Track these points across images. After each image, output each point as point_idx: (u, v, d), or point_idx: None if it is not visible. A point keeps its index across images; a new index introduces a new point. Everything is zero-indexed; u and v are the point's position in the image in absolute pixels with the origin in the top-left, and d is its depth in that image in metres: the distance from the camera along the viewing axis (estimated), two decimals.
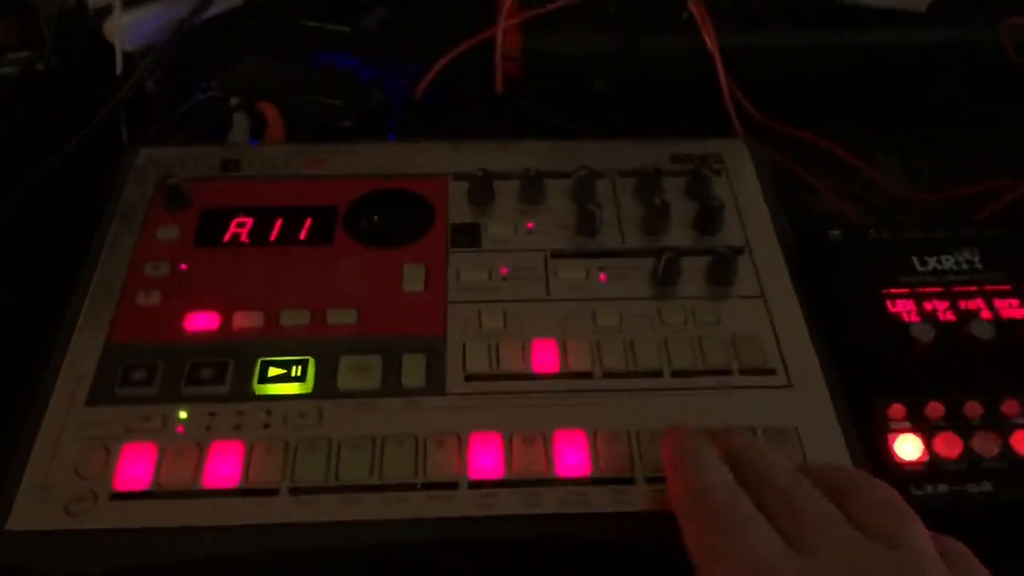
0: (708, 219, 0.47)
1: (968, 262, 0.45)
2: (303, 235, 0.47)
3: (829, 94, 0.64)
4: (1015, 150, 0.61)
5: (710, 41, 0.61)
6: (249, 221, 0.47)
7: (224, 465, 0.37)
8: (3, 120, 0.63)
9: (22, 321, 0.49)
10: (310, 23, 0.64)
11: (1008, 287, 0.44)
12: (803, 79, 0.64)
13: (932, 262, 0.45)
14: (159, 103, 0.63)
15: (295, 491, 0.37)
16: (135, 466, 0.37)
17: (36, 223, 0.54)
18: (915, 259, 0.45)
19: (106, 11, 0.66)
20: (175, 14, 0.66)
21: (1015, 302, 0.44)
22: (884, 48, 0.63)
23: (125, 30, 0.65)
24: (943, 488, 0.38)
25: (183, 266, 0.45)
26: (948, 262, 0.45)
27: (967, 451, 0.39)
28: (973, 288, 0.44)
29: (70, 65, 0.66)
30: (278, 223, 0.47)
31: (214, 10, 0.67)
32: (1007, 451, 0.39)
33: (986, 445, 0.39)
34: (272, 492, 0.37)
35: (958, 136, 0.62)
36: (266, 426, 0.39)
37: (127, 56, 0.65)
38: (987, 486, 0.38)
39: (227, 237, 0.46)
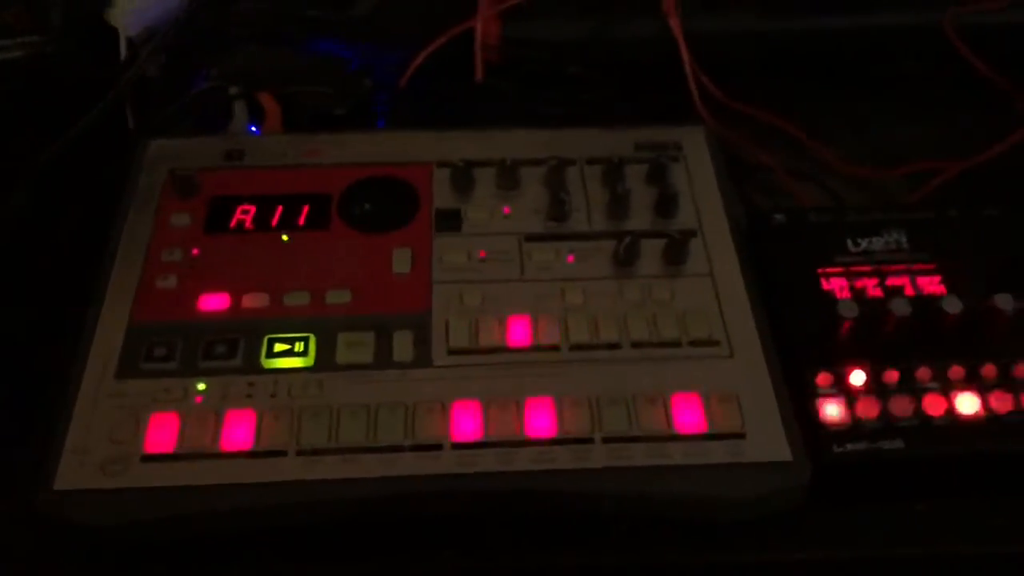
0: (666, 204, 0.52)
1: (897, 242, 0.51)
2: (301, 221, 0.52)
3: (789, 75, 0.69)
4: (962, 129, 0.66)
5: (675, 25, 0.66)
6: (252, 208, 0.52)
7: (238, 431, 0.43)
8: (13, 102, 0.67)
9: (44, 299, 0.54)
10: (306, 12, 0.68)
11: (931, 266, 0.50)
12: (765, 61, 0.69)
13: (864, 243, 0.50)
14: (163, 88, 0.68)
15: (301, 452, 0.42)
16: (161, 432, 0.43)
17: (46, 206, 0.59)
18: (849, 240, 0.50)
19: None
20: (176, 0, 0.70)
21: (936, 279, 0.49)
22: (840, 31, 0.68)
23: (128, 16, 0.69)
24: (861, 445, 0.44)
25: (195, 251, 0.50)
26: (879, 243, 0.50)
27: (884, 412, 0.44)
28: (900, 267, 0.50)
29: (76, 50, 0.70)
30: (279, 210, 0.52)
31: None
32: (919, 412, 0.45)
33: (901, 407, 0.45)
34: (281, 453, 0.42)
35: (907, 117, 0.67)
36: (273, 395, 0.44)
37: (131, 42, 0.69)
38: (899, 443, 0.44)
39: (233, 224, 0.51)
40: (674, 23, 0.66)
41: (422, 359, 0.46)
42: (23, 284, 0.55)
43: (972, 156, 0.60)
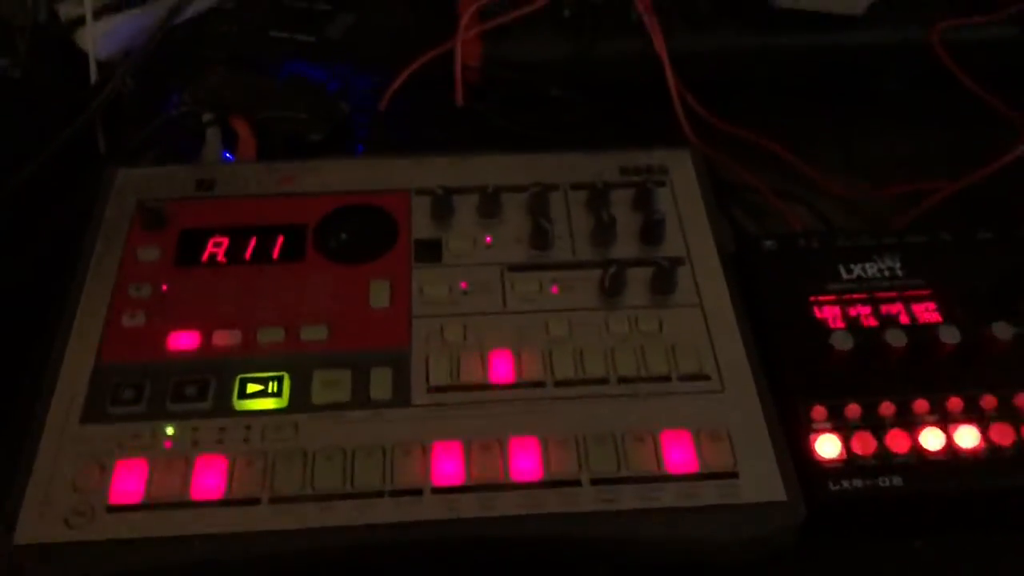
0: (651, 231, 0.50)
1: (890, 268, 0.49)
2: (276, 253, 0.50)
3: (775, 94, 0.68)
4: (950, 147, 0.65)
5: (659, 44, 0.65)
6: (225, 240, 0.50)
7: (209, 478, 0.41)
8: None
9: (4, 335, 0.52)
10: (278, 33, 0.66)
11: (926, 292, 0.48)
12: (750, 80, 0.67)
13: (857, 269, 0.49)
14: (133, 112, 0.66)
15: (275, 500, 0.41)
16: (128, 480, 0.41)
17: (14, 232, 0.57)
18: (841, 267, 0.49)
19: (79, 21, 0.68)
20: (146, 21, 0.68)
21: (931, 306, 0.48)
22: (825, 49, 0.66)
23: (98, 38, 0.67)
24: (858, 483, 0.42)
25: (164, 286, 0.48)
26: (871, 269, 0.49)
27: (881, 448, 0.43)
28: (894, 294, 0.48)
29: (45, 74, 0.68)
30: (252, 242, 0.50)
31: (185, 15, 0.69)
32: (915, 447, 0.43)
33: (897, 442, 0.43)
34: (254, 502, 0.41)
35: (894, 134, 0.66)
36: (246, 440, 0.43)
37: (101, 65, 0.67)
38: (897, 480, 0.42)
39: (205, 257, 0.49)
40: (658, 42, 0.64)
41: (401, 398, 0.44)
42: None
43: (962, 176, 0.59)
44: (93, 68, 0.67)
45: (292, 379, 0.45)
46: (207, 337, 0.46)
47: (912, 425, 0.44)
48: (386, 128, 0.63)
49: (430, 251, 0.50)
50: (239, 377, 0.44)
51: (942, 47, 0.64)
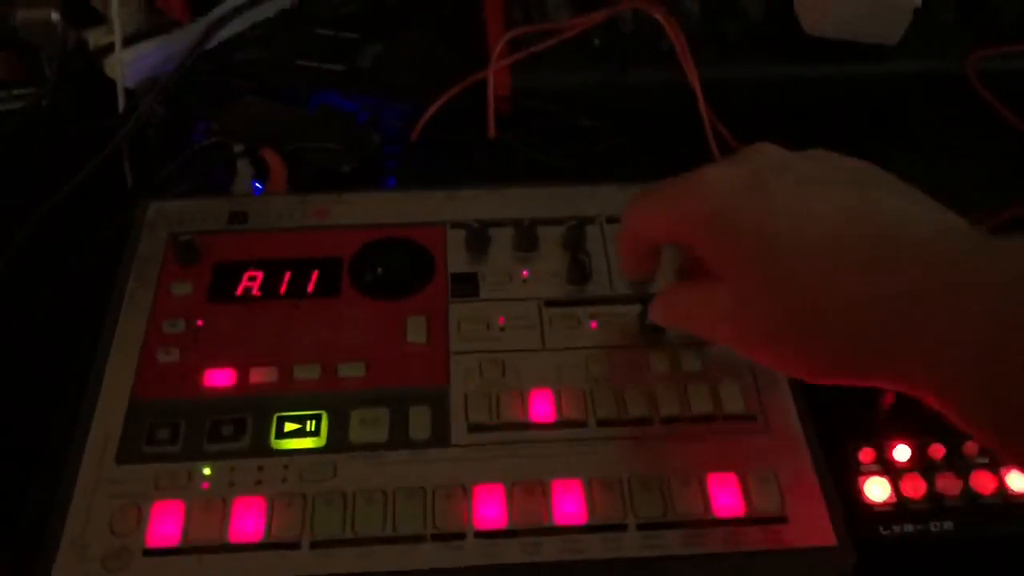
0: None
1: None
2: (311, 288, 0.49)
3: (807, 123, 0.67)
4: (986, 178, 0.64)
5: (690, 73, 0.64)
6: (260, 275, 0.49)
7: (248, 521, 0.40)
8: (10, 155, 0.65)
9: (35, 372, 0.51)
10: (306, 63, 0.66)
11: None
12: (782, 109, 0.67)
13: None
14: (160, 141, 0.66)
15: (315, 545, 0.40)
16: (165, 523, 0.40)
17: (42, 261, 0.57)
18: None
19: (107, 49, 0.68)
20: (174, 49, 0.68)
21: None
22: (858, 79, 0.66)
23: (126, 66, 0.67)
24: (909, 528, 0.41)
25: (199, 322, 0.47)
26: None
27: (931, 491, 0.42)
28: None
29: (73, 102, 0.68)
30: (287, 276, 0.49)
31: (213, 43, 0.69)
32: (967, 490, 0.42)
33: (949, 485, 0.42)
34: (294, 546, 0.40)
35: (929, 164, 0.65)
36: (284, 480, 0.42)
37: (129, 93, 0.67)
38: (949, 525, 0.41)
39: (239, 291, 0.49)
40: (689, 71, 0.64)
41: (440, 437, 0.43)
42: (11, 354, 0.52)
43: (997, 208, 0.58)
44: (121, 96, 0.67)
45: (330, 417, 0.44)
46: (243, 374, 0.45)
47: (963, 468, 0.43)
48: (415, 160, 0.63)
49: (467, 285, 0.50)
50: (276, 415, 0.44)
51: (977, 77, 0.63)
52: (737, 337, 0.38)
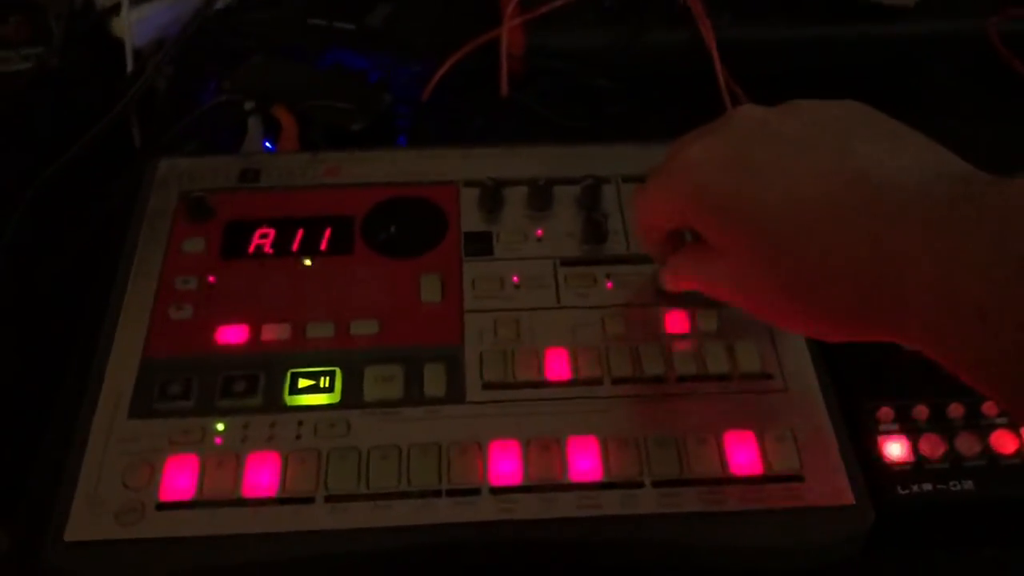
0: None
1: None
2: (324, 246, 0.49)
3: (824, 85, 0.66)
4: (1002, 141, 0.63)
5: (706, 34, 0.63)
6: (272, 232, 0.49)
7: (262, 475, 0.40)
8: (14, 117, 0.64)
9: (46, 330, 0.51)
10: (317, 21, 0.65)
11: None
12: (799, 71, 0.66)
13: None
14: (170, 101, 0.65)
15: (329, 499, 0.40)
16: (179, 477, 0.40)
17: (51, 222, 0.56)
18: None
19: (114, 9, 0.67)
20: (182, 8, 0.68)
21: None
22: (876, 40, 0.65)
23: (134, 26, 0.66)
24: (928, 487, 0.41)
25: (211, 279, 0.47)
26: None
27: (950, 451, 0.42)
28: None
29: (80, 63, 0.67)
30: (299, 233, 0.49)
31: (221, 2, 0.68)
32: (987, 450, 0.42)
33: (968, 445, 0.42)
34: (308, 500, 0.40)
35: (947, 127, 0.64)
36: (298, 436, 0.42)
37: (138, 53, 0.66)
38: (969, 484, 0.41)
39: (251, 248, 0.48)
40: (706, 32, 0.63)
41: (455, 395, 0.43)
42: (23, 313, 0.52)
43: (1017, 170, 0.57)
44: (129, 56, 0.66)
45: (344, 374, 0.43)
46: (256, 331, 0.45)
47: (983, 427, 0.42)
48: (425, 120, 0.62)
49: (480, 244, 0.49)
50: (290, 371, 0.43)
51: (999, 38, 0.62)
52: (743, 302, 0.39)
